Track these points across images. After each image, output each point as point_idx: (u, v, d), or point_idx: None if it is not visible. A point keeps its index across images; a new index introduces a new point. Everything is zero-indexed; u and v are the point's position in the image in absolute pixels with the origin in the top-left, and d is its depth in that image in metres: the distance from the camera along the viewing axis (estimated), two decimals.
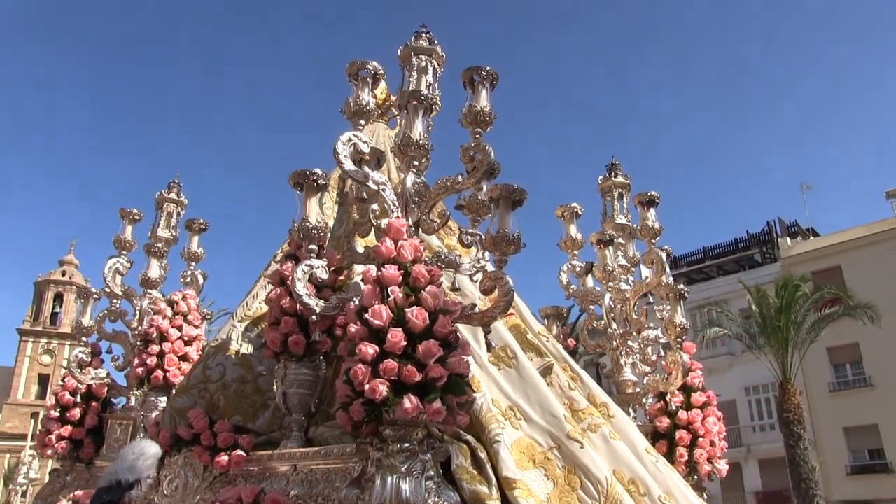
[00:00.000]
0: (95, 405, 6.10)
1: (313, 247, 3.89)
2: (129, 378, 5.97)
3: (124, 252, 6.53)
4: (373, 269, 3.46)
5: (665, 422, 5.55)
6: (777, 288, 25.50)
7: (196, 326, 5.91)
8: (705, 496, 5.37)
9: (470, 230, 4.26)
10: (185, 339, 5.75)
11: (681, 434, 5.44)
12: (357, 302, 3.43)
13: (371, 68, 4.37)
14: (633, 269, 6.04)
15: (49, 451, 6.01)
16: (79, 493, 5.22)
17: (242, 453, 4.12)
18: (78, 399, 6.10)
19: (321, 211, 5.39)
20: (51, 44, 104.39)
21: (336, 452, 3.61)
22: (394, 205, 3.92)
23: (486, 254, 3.98)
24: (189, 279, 6.53)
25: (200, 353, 5.59)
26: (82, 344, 6.22)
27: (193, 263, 6.60)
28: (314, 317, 3.76)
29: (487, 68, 4.17)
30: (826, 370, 32.70)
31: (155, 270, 6.44)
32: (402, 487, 3.01)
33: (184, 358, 5.66)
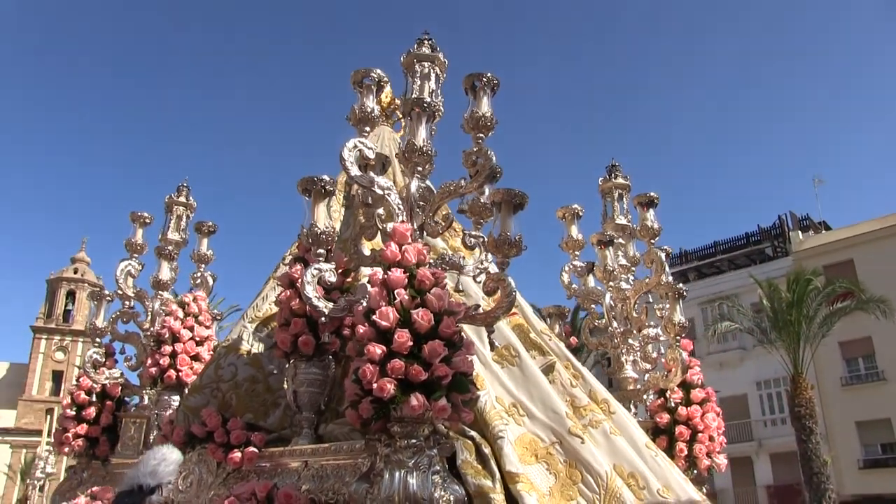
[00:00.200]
0: (110, 404, 6.24)
1: (321, 251, 4.02)
2: (142, 377, 6.12)
3: (135, 255, 6.68)
4: (379, 272, 3.60)
5: (665, 417, 5.68)
6: (789, 282, 25.46)
7: (207, 327, 6.05)
8: (705, 490, 5.49)
9: (473, 233, 4.40)
10: (197, 339, 5.90)
11: (680, 429, 5.57)
12: (365, 304, 3.57)
13: (375, 76, 4.50)
14: (633, 268, 6.17)
15: (66, 449, 6.16)
16: (96, 489, 5.36)
17: (255, 450, 4.26)
18: (93, 398, 6.24)
19: (328, 214, 5.56)
20: (56, 41, 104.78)
21: (346, 448, 3.76)
22: (399, 209, 4.05)
23: (489, 255, 4.12)
24: (199, 280, 6.68)
25: (212, 352, 5.74)
26: (96, 345, 6.37)
27: (203, 265, 6.75)
28: (323, 318, 3.90)
29: (488, 74, 4.30)
30: (838, 364, 32.64)
31: (166, 272, 6.59)
32: (409, 482, 3.15)
33: (196, 358, 5.81)
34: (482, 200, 4.40)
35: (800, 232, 37.20)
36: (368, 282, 3.66)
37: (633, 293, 5.95)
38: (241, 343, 5.14)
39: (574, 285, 6.17)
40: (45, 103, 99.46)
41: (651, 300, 6.01)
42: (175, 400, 5.60)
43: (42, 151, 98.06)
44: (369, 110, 4.39)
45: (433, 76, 4.48)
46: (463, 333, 4.07)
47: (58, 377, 47.93)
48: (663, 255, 5.77)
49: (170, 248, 6.64)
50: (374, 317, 3.37)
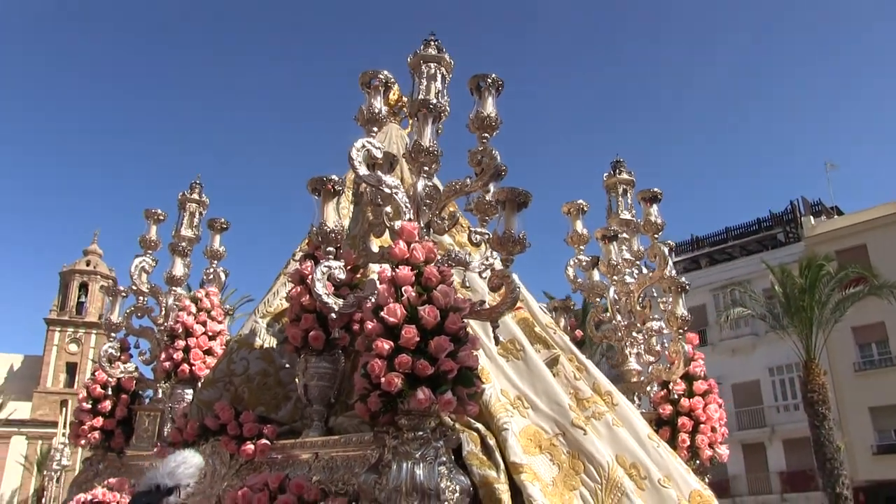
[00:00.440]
0: (125, 397, 6.39)
1: (331, 249, 4.13)
2: (157, 371, 6.26)
3: (150, 251, 6.82)
4: (388, 270, 3.71)
5: (668, 409, 5.79)
6: (801, 267, 25.46)
7: (219, 322, 6.17)
8: (707, 479, 5.58)
9: (479, 230, 4.50)
10: (210, 334, 6.02)
11: (683, 421, 5.67)
12: (373, 300, 3.68)
13: (382, 77, 4.59)
14: (637, 262, 6.26)
15: (82, 441, 6.31)
16: (113, 480, 5.50)
17: (267, 442, 4.38)
18: (108, 392, 6.39)
19: (337, 211, 5.67)
20: (64, 38, 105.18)
21: (355, 440, 3.88)
22: (406, 207, 4.15)
23: (494, 252, 4.22)
24: (212, 276, 6.80)
25: (224, 347, 5.87)
26: (111, 340, 6.51)
27: (215, 261, 6.87)
28: (332, 314, 4.01)
29: (493, 75, 4.38)
30: (851, 350, 32.60)
31: (179, 268, 6.71)
32: (416, 472, 3.26)
33: (208, 352, 5.93)
34: (487, 198, 4.50)
35: (812, 217, 37.07)
36: (378, 279, 3.77)
37: (636, 287, 6.05)
38: (252, 338, 5.27)
39: (579, 279, 6.26)
40: (58, 99, 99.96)
41: (654, 293, 6.10)
42: (188, 393, 5.73)
43: (53, 145, 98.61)
44: (377, 111, 4.49)
45: (439, 77, 4.57)
46: (469, 329, 4.20)
47: (72, 369, 48.40)
48: (666, 250, 5.86)
49: (183, 244, 6.77)
50: (382, 313, 3.47)
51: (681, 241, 43.03)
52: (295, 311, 4.46)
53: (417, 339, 3.38)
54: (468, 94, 4.49)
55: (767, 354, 34.17)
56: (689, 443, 5.64)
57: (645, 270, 6.17)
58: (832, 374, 30.33)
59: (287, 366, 4.96)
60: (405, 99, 6.04)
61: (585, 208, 6.38)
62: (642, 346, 5.97)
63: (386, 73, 4.62)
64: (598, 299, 6.30)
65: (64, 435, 21.92)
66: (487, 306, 3.88)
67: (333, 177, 4.16)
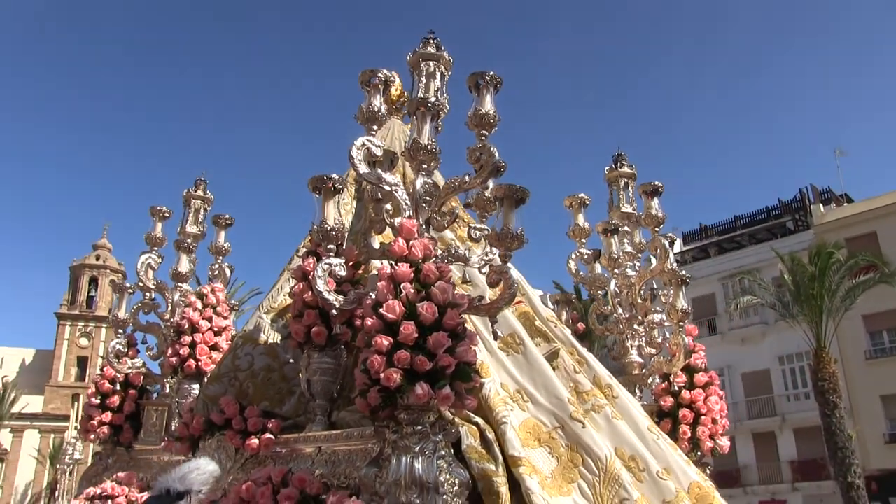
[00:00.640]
0: (133, 392, 6.48)
1: (332, 246, 4.19)
2: (164, 367, 6.34)
3: (155, 248, 6.89)
4: (387, 267, 3.76)
5: (669, 401, 5.83)
6: (810, 255, 25.32)
7: (225, 317, 6.25)
8: (709, 471, 5.63)
9: (478, 226, 4.55)
10: (215, 329, 6.10)
11: (684, 412, 5.71)
12: (373, 297, 3.74)
13: (382, 76, 4.63)
14: (639, 255, 6.29)
15: (91, 436, 6.41)
16: (122, 474, 5.60)
17: (271, 436, 4.45)
18: (116, 387, 6.48)
19: (340, 206, 5.72)
20: (76, 36, 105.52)
21: (356, 435, 3.94)
22: (406, 204, 4.21)
23: (494, 248, 4.26)
24: (217, 272, 6.88)
25: (230, 342, 5.94)
26: (118, 336, 6.60)
27: (220, 257, 6.95)
28: (333, 311, 4.07)
29: (491, 73, 4.42)
30: (862, 338, 32.40)
31: (184, 265, 6.79)
32: (415, 466, 3.32)
33: (214, 347, 6.01)
34: (486, 195, 4.55)
35: (821, 205, 36.80)
36: (377, 276, 3.83)
37: (638, 280, 6.08)
38: (257, 333, 5.33)
39: (581, 273, 6.30)
40: (68, 93, 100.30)
41: (655, 286, 6.13)
42: (195, 388, 5.81)
43: (62, 139, 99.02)
44: (376, 109, 4.53)
45: (438, 74, 4.62)
46: (467, 325, 4.25)
47: (83, 363, 48.70)
48: (667, 243, 5.89)
49: (188, 241, 6.84)
50: (381, 310, 3.53)
51: (689, 230, 42.95)
52: (298, 307, 4.53)
53: (416, 335, 3.44)
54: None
55: (777, 343, 34.00)
56: (690, 434, 5.68)
57: (653, 262, 6.19)
58: (843, 362, 30.18)
59: (291, 361, 5.03)
60: (407, 94, 6.08)
61: (587, 202, 6.41)
62: (644, 338, 6.01)
63: (385, 71, 4.66)
64: (599, 292, 6.34)
65: (76, 429, 22.15)
66: (486, 302, 3.93)
67: (334, 175, 4.21)
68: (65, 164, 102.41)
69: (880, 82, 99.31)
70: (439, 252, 4.12)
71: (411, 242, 3.79)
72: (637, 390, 5.87)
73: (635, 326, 6.00)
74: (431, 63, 4.60)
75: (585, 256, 6.29)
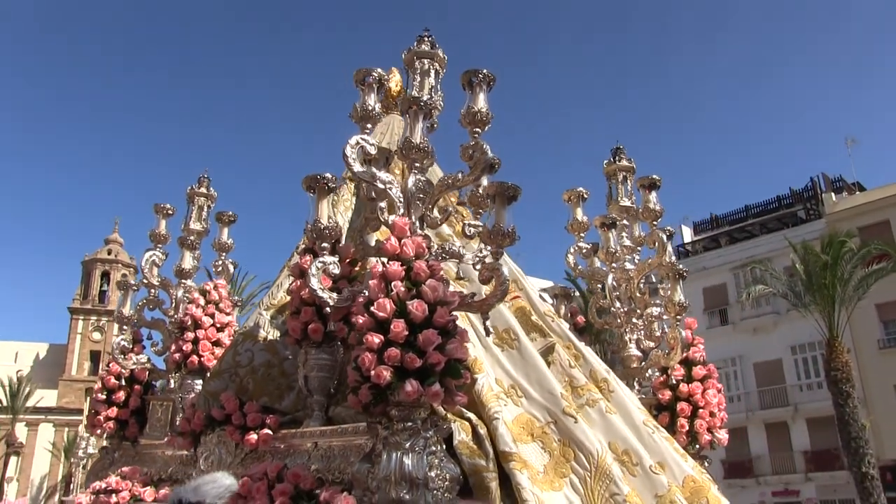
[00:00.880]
0: (138, 388, 6.55)
1: (326, 245, 4.23)
2: (168, 363, 6.42)
3: (160, 245, 6.96)
4: (379, 265, 3.81)
5: (667, 394, 5.84)
6: (822, 244, 25.20)
7: (227, 313, 6.31)
8: (707, 464, 5.65)
9: (472, 223, 4.58)
10: (218, 325, 6.16)
11: (682, 406, 5.72)
12: (366, 294, 3.78)
13: (376, 75, 4.66)
14: (638, 249, 6.30)
15: (98, 431, 6.50)
16: (126, 469, 5.68)
17: (269, 432, 4.51)
18: (122, 383, 6.57)
19: (340, 203, 5.77)
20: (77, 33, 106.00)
21: (351, 430, 4.00)
22: (400, 202, 4.25)
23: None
24: (220, 268, 6.95)
25: (232, 338, 6.01)
26: (123, 332, 6.68)
27: (224, 254, 7.01)
28: (327, 308, 4.13)
29: (485, 70, 4.44)
30: (875, 327, 32.26)
31: (188, 261, 6.85)
32: (405, 462, 3.37)
33: (217, 343, 6.08)
34: (480, 192, 4.58)
35: (833, 194, 36.61)
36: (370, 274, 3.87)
37: (636, 273, 6.10)
38: (257, 330, 5.40)
39: (580, 266, 6.32)
40: (81, 88, 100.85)
41: (654, 280, 6.15)
42: (198, 384, 5.88)
43: (74, 134, 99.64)
44: (370, 108, 4.57)
45: (433, 72, 4.65)
46: (463, 321, 4.30)
47: (96, 357, 49.10)
48: (665, 237, 5.90)
49: (191, 237, 6.90)
50: (372, 308, 3.58)
51: (700, 220, 42.82)
52: (295, 304, 4.58)
53: (406, 332, 3.48)
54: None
55: (789, 333, 33.87)
56: (687, 428, 5.70)
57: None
58: (856, 351, 30.03)
59: (290, 357, 5.09)
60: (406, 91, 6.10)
61: (585, 196, 6.43)
62: (642, 332, 6.03)
63: (379, 70, 4.69)
64: (598, 286, 6.35)
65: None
66: (478, 298, 3.96)
67: (327, 174, 4.25)
68: (77, 161, 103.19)
69: (892, 71, 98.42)
70: (435, 247, 4.16)
71: (403, 240, 3.82)
72: (635, 384, 5.90)
73: (634, 320, 6.02)
74: (426, 61, 4.63)
75: (584, 250, 6.31)
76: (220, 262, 6.97)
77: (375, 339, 3.48)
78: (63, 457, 41.56)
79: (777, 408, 34.75)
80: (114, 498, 5.30)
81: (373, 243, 4.57)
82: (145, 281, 6.81)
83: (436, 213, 4.40)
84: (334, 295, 4.11)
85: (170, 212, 7.08)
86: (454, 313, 4.14)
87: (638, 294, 6.08)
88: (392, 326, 3.49)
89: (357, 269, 4.72)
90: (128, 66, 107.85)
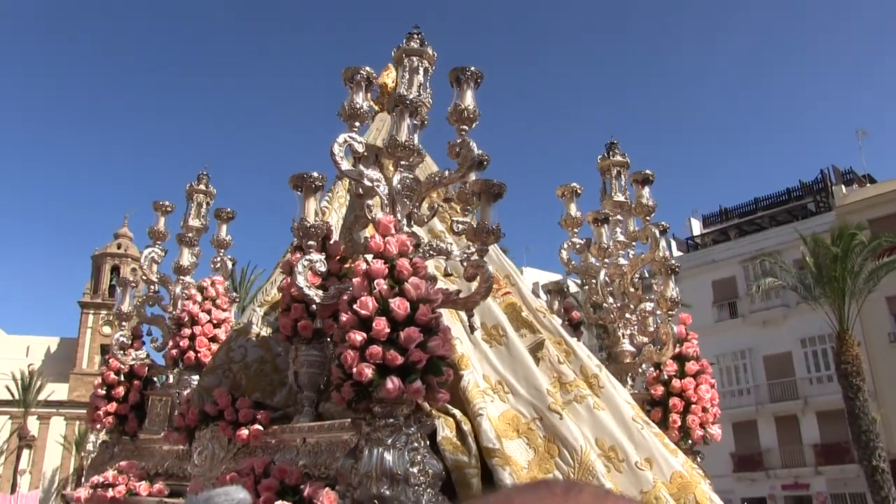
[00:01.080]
0: (137, 383, 6.61)
1: (312, 242, 4.26)
2: (166, 358, 6.48)
3: (159, 242, 7.01)
4: (363, 263, 3.84)
5: (660, 390, 5.85)
6: (833, 237, 24.98)
7: (224, 310, 6.35)
8: (699, 459, 5.67)
9: (460, 219, 4.60)
10: (215, 321, 6.21)
11: (674, 401, 5.72)
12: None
13: (364, 73, 4.68)
14: (633, 244, 6.29)
15: (98, 426, 6.57)
16: (123, 463, 5.74)
17: (259, 427, 4.56)
18: (121, 378, 6.63)
19: (334, 200, 5.80)
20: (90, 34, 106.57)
21: (337, 426, 4.05)
22: (387, 199, 4.28)
23: None
24: (219, 265, 6.99)
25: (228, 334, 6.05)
26: (121, 328, 6.74)
27: (222, 250, 7.05)
28: (314, 305, 4.16)
29: (472, 68, 4.45)
30: (886, 320, 31.86)
31: (186, 258, 6.89)
32: (385, 458, 3.41)
33: (213, 339, 6.12)
34: (467, 189, 4.60)
35: (843, 186, 36.21)
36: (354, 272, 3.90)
37: (629, 268, 6.10)
38: (251, 326, 5.45)
39: (573, 262, 6.32)
40: (92, 82, 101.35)
41: (648, 275, 6.15)
42: (195, 379, 5.92)
43: (84, 128, 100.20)
44: (358, 106, 4.59)
45: (422, 70, 4.68)
46: (452, 317, 4.32)
47: (106, 351, 49.07)
48: (657, 232, 5.89)
49: (190, 234, 6.94)
50: (355, 306, 3.61)
51: (710, 213, 42.59)
52: (286, 301, 4.62)
53: (388, 330, 3.52)
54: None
55: (799, 326, 33.56)
56: (680, 423, 5.70)
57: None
58: (866, 344, 29.75)
59: (282, 353, 5.13)
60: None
61: (579, 191, 6.42)
62: (636, 327, 6.03)
63: (367, 69, 4.71)
64: (592, 281, 6.35)
65: None
66: (463, 295, 3.99)
67: (314, 173, 4.28)
68: (88, 156, 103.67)
69: None
70: (425, 241, 4.20)
71: (387, 238, 3.85)
72: (629, 379, 5.90)
73: (627, 315, 6.02)
74: (415, 58, 4.67)
75: (577, 246, 6.31)
76: (219, 259, 7.01)
77: (358, 336, 3.52)
78: (74, 450, 41.83)
79: (787, 401, 34.50)
80: (110, 492, 5.37)
81: (362, 241, 4.60)
82: (144, 277, 6.87)
83: (424, 209, 4.43)
84: (320, 292, 4.15)
85: (169, 209, 7.13)
86: (441, 310, 4.19)
87: (632, 289, 6.08)
88: (374, 324, 3.53)
89: (347, 265, 4.75)
90: (142, 57, 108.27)
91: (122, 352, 6.59)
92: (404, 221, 4.25)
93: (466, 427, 3.90)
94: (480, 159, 4.38)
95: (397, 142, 4.20)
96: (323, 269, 4.23)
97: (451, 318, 4.47)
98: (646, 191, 6.12)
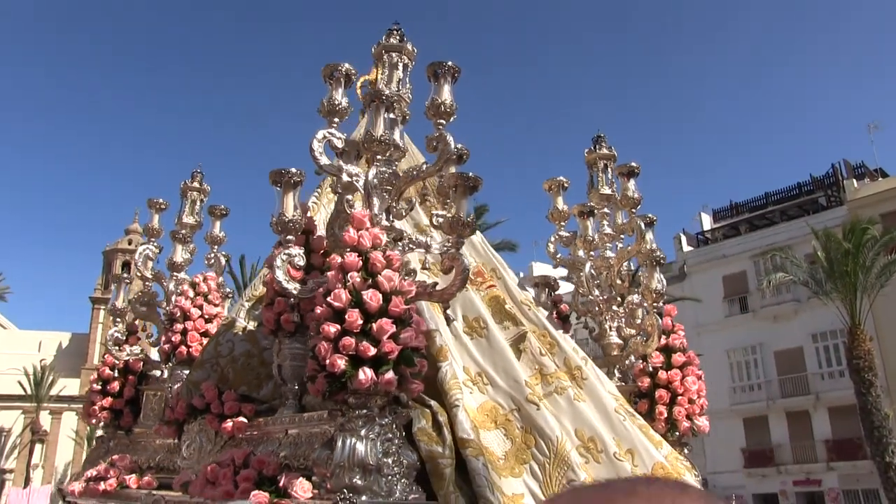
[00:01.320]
0: (132, 378, 6.70)
1: (291, 237, 4.32)
2: (161, 353, 6.56)
3: (153, 238, 7.09)
4: (337, 257, 3.89)
5: (646, 381, 5.87)
6: (844, 231, 24.84)
7: (216, 305, 6.42)
8: (686, 451, 5.68)
9: (439, 213, 4.64)
10: (206, 317, 6.27)
11: (660, 393, 5.73)
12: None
13: (343, 70, 4.73)
14: (620, 236, 6.32)
15: (93, 420, 6.66)
16: (115, 456, 5.82)
17: (243, 420, 4.63)
18: (116, 373, 6.72)
19: (323, 195, 5.85)
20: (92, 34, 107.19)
21: (316, 418, 4.10)
22: (364, 194, 4.33)
23: None
24: (212, 261, 7.07)
25: None
26: (115, 324, 6.84)
27: (216, 247, 7.13)
28: (292, 299, 4.22)
29: (449, 63, 4.49)
30: None
31: (180, 255, 6.97)
32: (358, 448, 3.45)
33: (205, 334, 6.17)
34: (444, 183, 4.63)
35: (854, 180, 35.96)
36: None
37: (616, 261, 6.12)
38: (238, 321, 5.51)
39: (560, 255, 6.34)
40: (103, 79, 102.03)
41: (633, 266, 6.17)
42: (186, 374, 6.00)
43: (94, 124, 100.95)
44: (337, 103, 4.63)
45: (401, 66, 4.73)
46: (435, 310, 4.37)
47: None
48: (643, 224, 5.91)
49: (184, 231, 7.02)
50: (328, 298, 3.66)
51: (720, 208, 42.43)
52: (269, 295, 4.68)
53: (361, 322, 3.57)
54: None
55: (810, 321, 33.37)
56: (666, 415, 5.72)
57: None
58: (878, 339, 29.52)
59: (269, 347, 5.18)
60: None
61: (566, 185, 6.45)
62: (623, 319, 6.05)
63: (347, 65, 4.75)
64: (580, 274, 6.37)
65: None
66: (438, 288, 4.03)
67: (292, 169, 4.33)
68: (100, 153, 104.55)
69: None
70: (408, 234, 4.24)
71: (360, 232, 3.90)
72: (616, 371, 5.93)
73: (614, 308, 6.05)
74: (394, 54, 4.72)
75: (564, 239, 6.33)
76: (213, 255, 7.08)
77: (332, 328, 3.57)
78: (86, 444, 42.18)
79: (798, 396, 34.32)
80: (102, 485, 5.44)
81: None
82: (139, 274, 6.95)
83: (404, 203, 4.48)
84: (298, 286, 4.20)
85: (163, 206, 7.21)
86: (423, 303, 4.24)
87: (619, 282, 6.10)
88: (347, 316, 3.58)
89: (329, 260, 4.80)
90: (151, 53, 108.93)
91: (116, 347, 6.68)
92: (382, 215, 4.30)
93: (442, 418, 3.94)
94: (459, 153, 4.43)
95: (372, 136, 4.24)
96: (302, 263, 4.29)
97: (433, 312, 4.51)
98: (631, 183, 6.14)
